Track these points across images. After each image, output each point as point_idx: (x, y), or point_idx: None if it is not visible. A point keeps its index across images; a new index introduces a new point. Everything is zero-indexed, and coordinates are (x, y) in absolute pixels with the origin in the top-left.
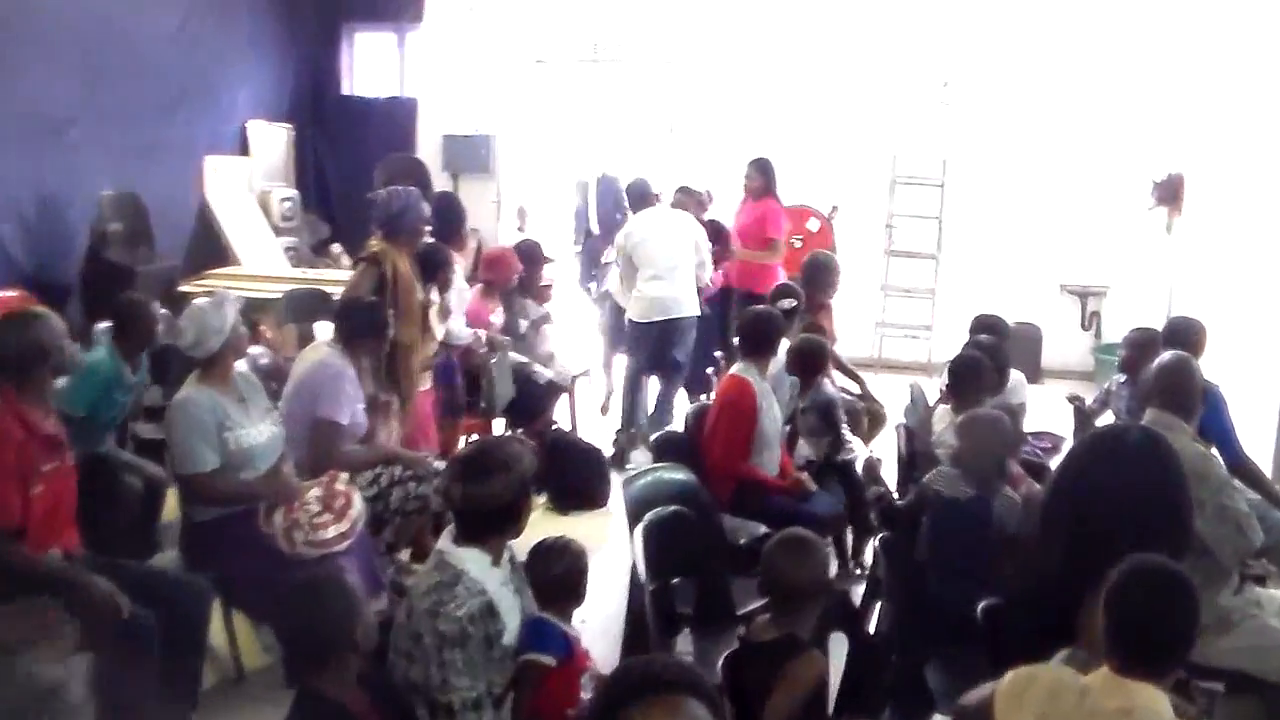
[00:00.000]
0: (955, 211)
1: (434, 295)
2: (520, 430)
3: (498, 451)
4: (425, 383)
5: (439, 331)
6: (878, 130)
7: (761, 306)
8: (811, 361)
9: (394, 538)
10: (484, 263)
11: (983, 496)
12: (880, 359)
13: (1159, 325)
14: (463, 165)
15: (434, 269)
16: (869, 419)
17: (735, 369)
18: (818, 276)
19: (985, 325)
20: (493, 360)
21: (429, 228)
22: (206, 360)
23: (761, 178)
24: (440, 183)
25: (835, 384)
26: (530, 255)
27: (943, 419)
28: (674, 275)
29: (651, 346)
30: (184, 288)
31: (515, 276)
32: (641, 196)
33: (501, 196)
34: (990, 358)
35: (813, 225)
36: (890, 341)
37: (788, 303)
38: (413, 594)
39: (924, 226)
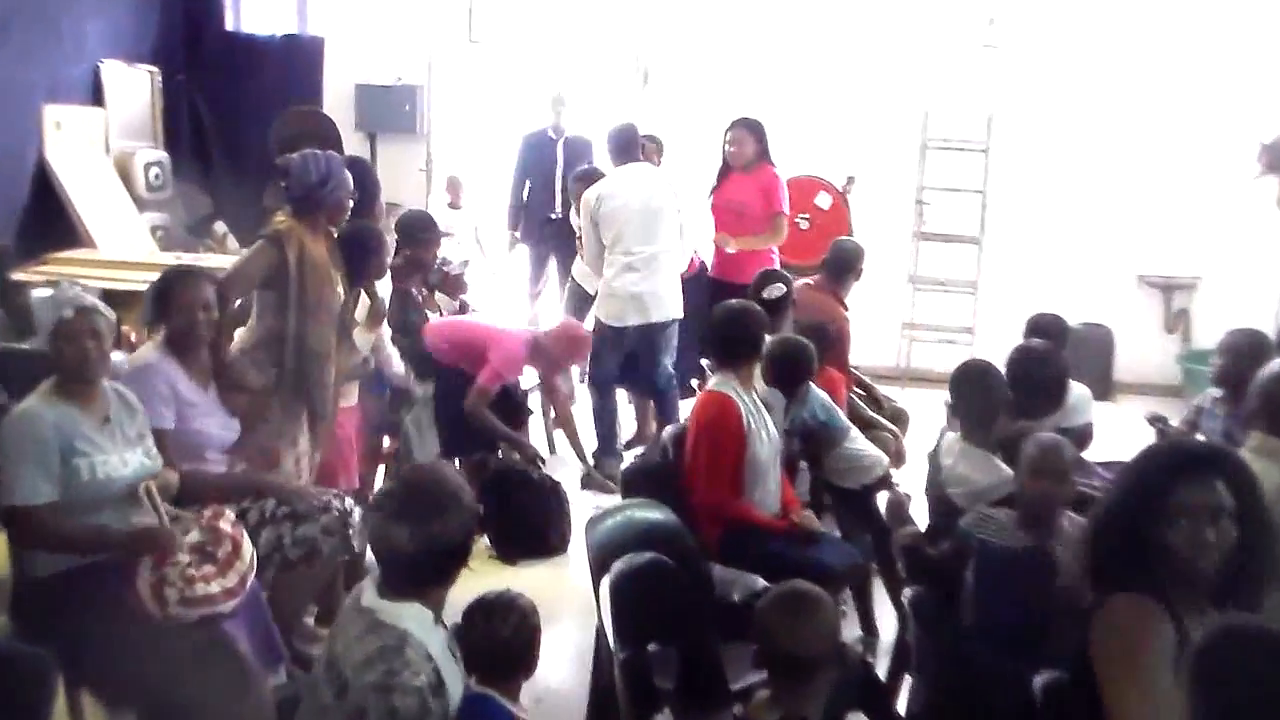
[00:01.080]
0: (1002, 183)
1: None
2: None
3: (443, 482)
4: (349, 397)
5: (363, 343)
6: (904, 80)
7: (736, 302)
8: (792, 367)
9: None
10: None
11: (1043, 547)
12: (907, 369)
13: (1266, 327)
14: (381, 123)
15: (362, 258)
16: (892, 422)
17: (712, 383)
18: (841, 269)
19: (1040, 327)
20: (406, 418)
21: (351, 204)
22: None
23: (755, 141)
24: (353, 145)
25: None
26: (412, 229)
27: (952, 450)
28: (655, 265)
29: (622, 356)
30: (18, 276)
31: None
32: (624, 147)
33: (432, 164)
34: (1043, 367)
35: (823, 201)
36: (921, 348)
37: (774, 290)
38: (346, 664)
39: (963, 202)
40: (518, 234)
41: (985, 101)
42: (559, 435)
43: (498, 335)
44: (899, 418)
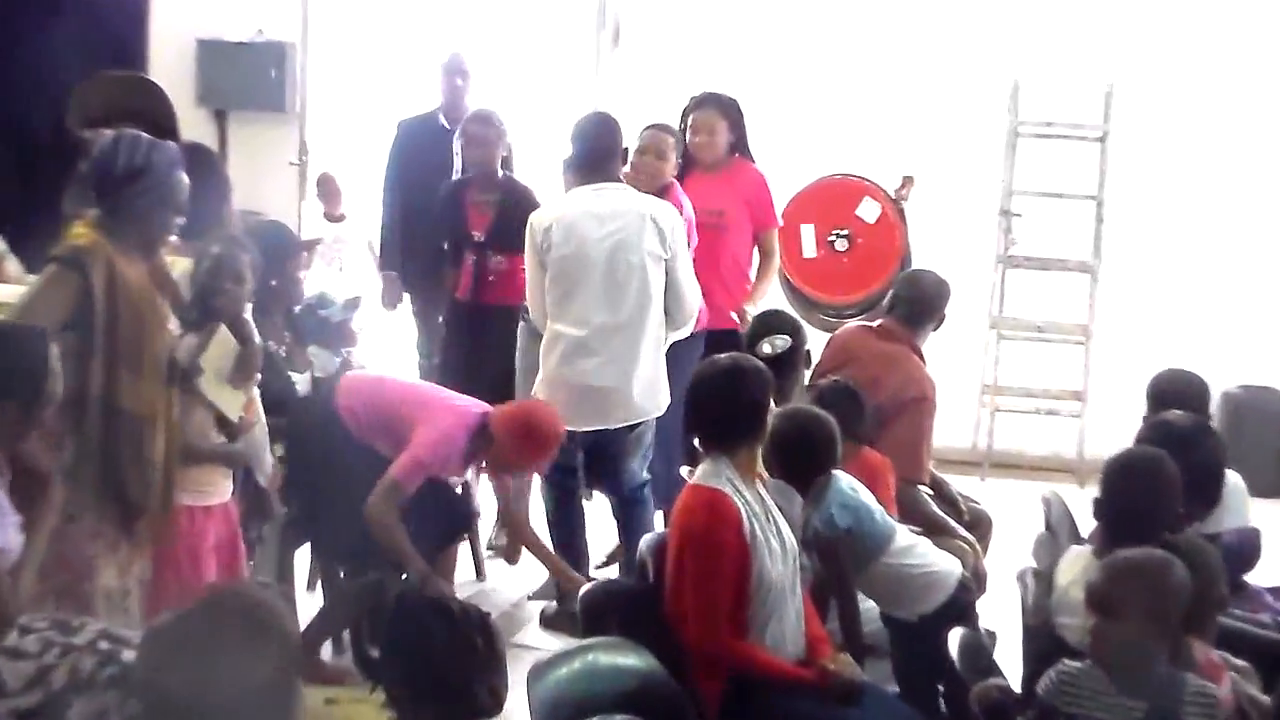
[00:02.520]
0: (1127, 185)
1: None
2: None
3: (253, 608)
4: (212, 491)
5: (230, 406)
6: (983, 38)
7: (726, 358)
8: (804, 452)
9: None
10: None
11: (1163, 710)
12: (988, 452)
13: None
14: (235, 96)
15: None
16: (970, 530)
17: (699, 474)
18: (921, 314)
19: (1176, 393)
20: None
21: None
22: None
23: (731, 128)
24: (193, 126)
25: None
26: (269, 250)
27: (1075, 567)
28: (623, 346)
29: (583, 452)
30: None
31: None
32: (596, 155)
33: (308, 155)
34: (1189, 451)
35: (867, 211)
36: (1008, 422)
37: (776, 343)
38: None
39: (1071, 213)
40: (394, 276)
41: (1101, 68)
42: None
43: (433, 407)
44: (978, 523)
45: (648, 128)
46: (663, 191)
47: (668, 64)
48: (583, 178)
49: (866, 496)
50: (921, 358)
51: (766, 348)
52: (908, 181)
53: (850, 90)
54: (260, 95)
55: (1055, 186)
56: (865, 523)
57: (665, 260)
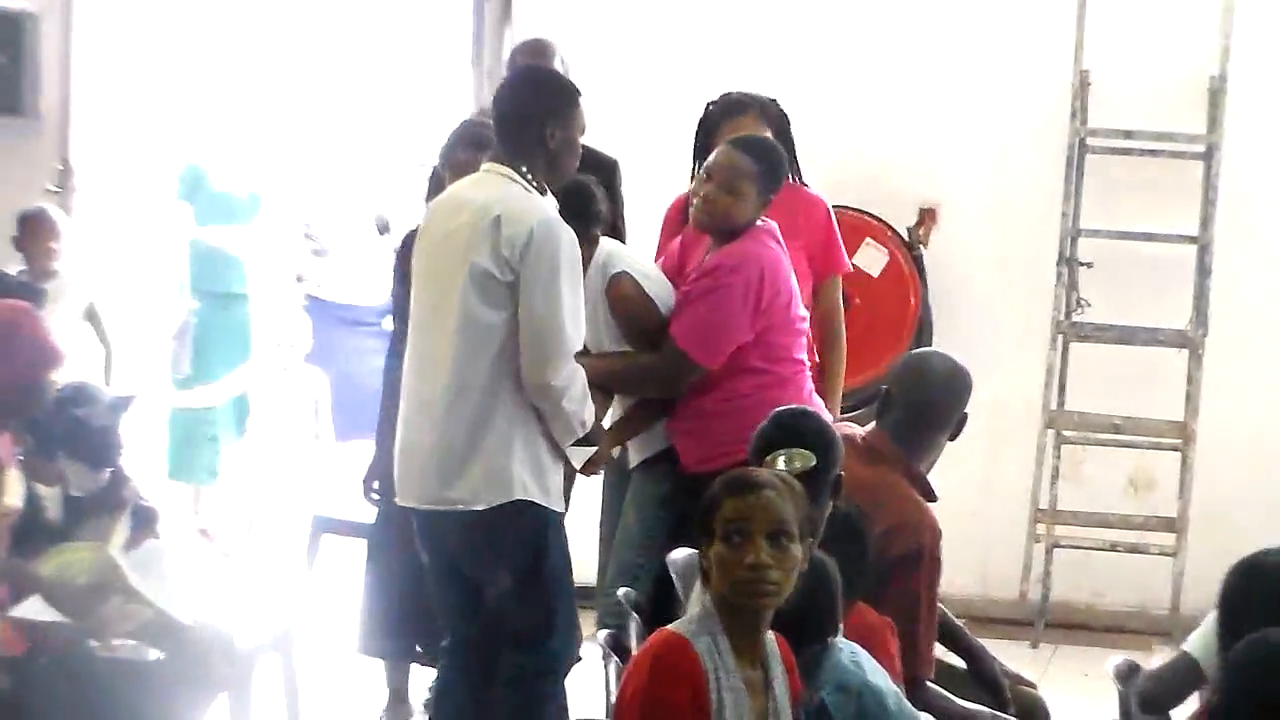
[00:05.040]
0: (1243, 221)
1: None
2: None
3: None
4: None
5: None
6: (1037, 16)
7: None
8: (799, 613)
9: None
10: None
11: None
12: (1045, 605)
13: None
14: None
15: None
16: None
17: (683, 618)
18: (926, 419)
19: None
20: None
21: None
22: None
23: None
24: None
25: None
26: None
27: None
28: (434, 396)
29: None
30: None
31: None
32: (499, 129)
33: (73, 177)
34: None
35: (870, 261)
36: (1071, 562)
37: (795, 462)
38: None
39: (1162, 262)
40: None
41: (1203, 50)
42: None
43: None
44: (1031, 713)
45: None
46: (738, 237)
47: (576, 39)
48: (456, 154)
49: (877, 675)
50: (923, 489)
51: (783, 463)
52: (928, 217)
53: (842, 84)
54: None
55: (1140, 223)
56: (874, 713)
57: (507, 284)
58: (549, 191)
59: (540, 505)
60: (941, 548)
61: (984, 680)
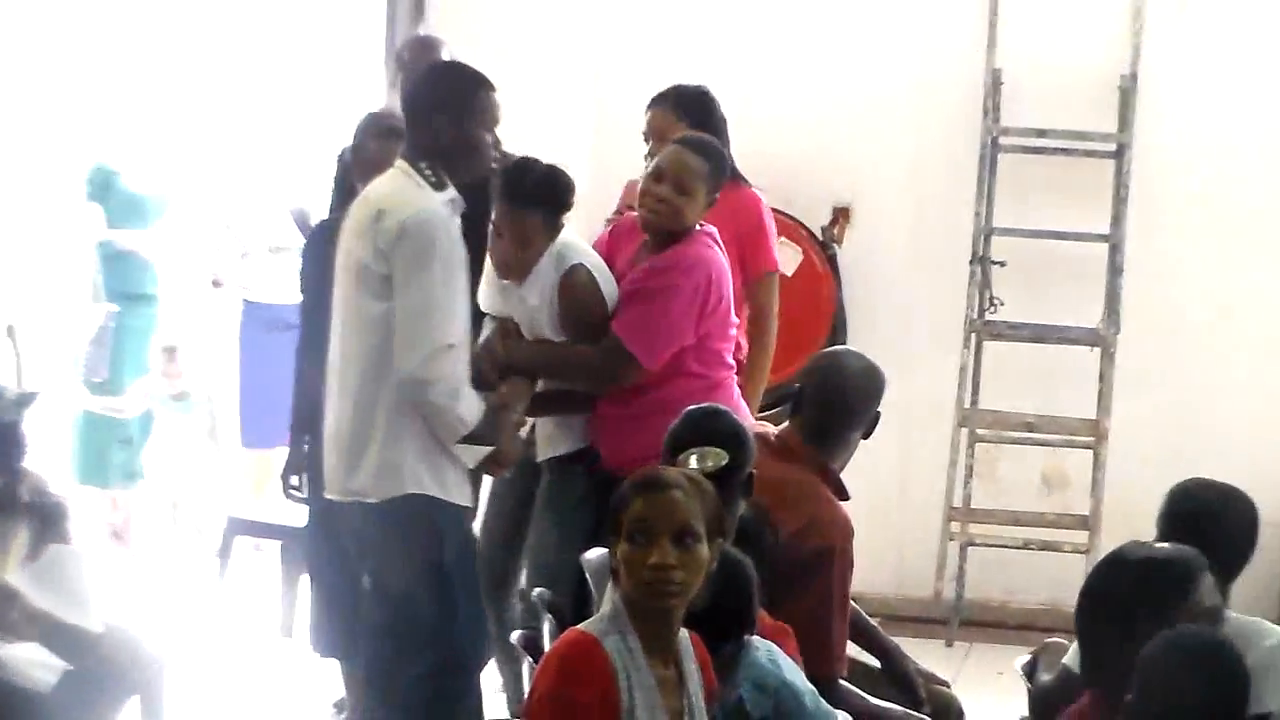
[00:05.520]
0: (1153, 219)
1: None
2: None
3: None
4: None
5: None
6: (948, 6)
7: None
8: (716, 613)
9: None
10: None
11: None
12: (959, 604)
13: None
14: None
15: None
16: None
17: (592, 618)
18: (839, 419)
19: (1191, 509)
20: None
21: None
22: None
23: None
24: None
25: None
26: None
27: None
28: (341, 400)
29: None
30: None
31: None
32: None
33: None
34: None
35: (785, 259)
36: (985, 560)
37: (707, 460)
38: None
39: (1073, 261)
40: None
41: (1114, 50)
42: None
43: None
44: (944, 713)
45: (654, 111)
46: (681, 239)
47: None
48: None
49: (793, 673)
50: (836, 487)
51: (694, 462)
52: (841, 216)
53: (755, 83)
54: None
55: (1052, 222)
56: (792, 711)
57: (383, 276)
58: (450, 184)
59: (438, 499)
60: (854, 546)
61: (898, 679)
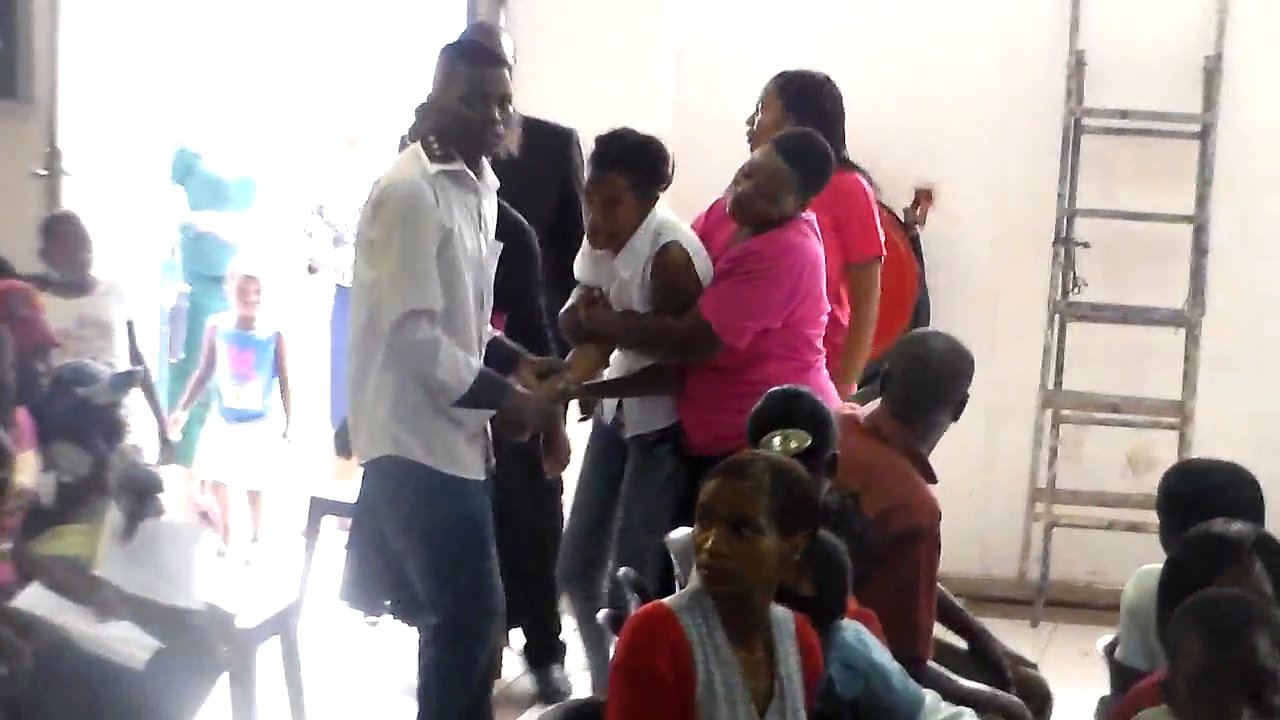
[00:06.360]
0: (1238, 201)
1: None
2: None
3: None
4: None
5: None
6: None
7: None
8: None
9: None
10: None
11: None
12: (1044, 585)
13: None
14: None
15: None
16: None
17: (667, 599)
18: (926, 399)
19: (1205, 489)
20: None
21: None
22: None
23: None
24: None
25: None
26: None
27: None
28: (347, 366)
29: None
30: None
31: None
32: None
33: (62, 160)
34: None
35: None
36: (1071, 541)
37: (791, 441)
38: None
39: (1159, 242)
40: None
41: (1198, 30)
42: None
43: None
44: (1032, 696)
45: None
46: (777, 224)
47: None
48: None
49: (881, 654)
50: (924, 470)
51: (778, 443)
52: (924, 198)
53: (837, 65)
54: None
55: (1136, 203)
56: (880, 691)
57: (371, 241)
58: (457, 158)
59: (421, 464)
60: (940, 528)
61: (986, 661)
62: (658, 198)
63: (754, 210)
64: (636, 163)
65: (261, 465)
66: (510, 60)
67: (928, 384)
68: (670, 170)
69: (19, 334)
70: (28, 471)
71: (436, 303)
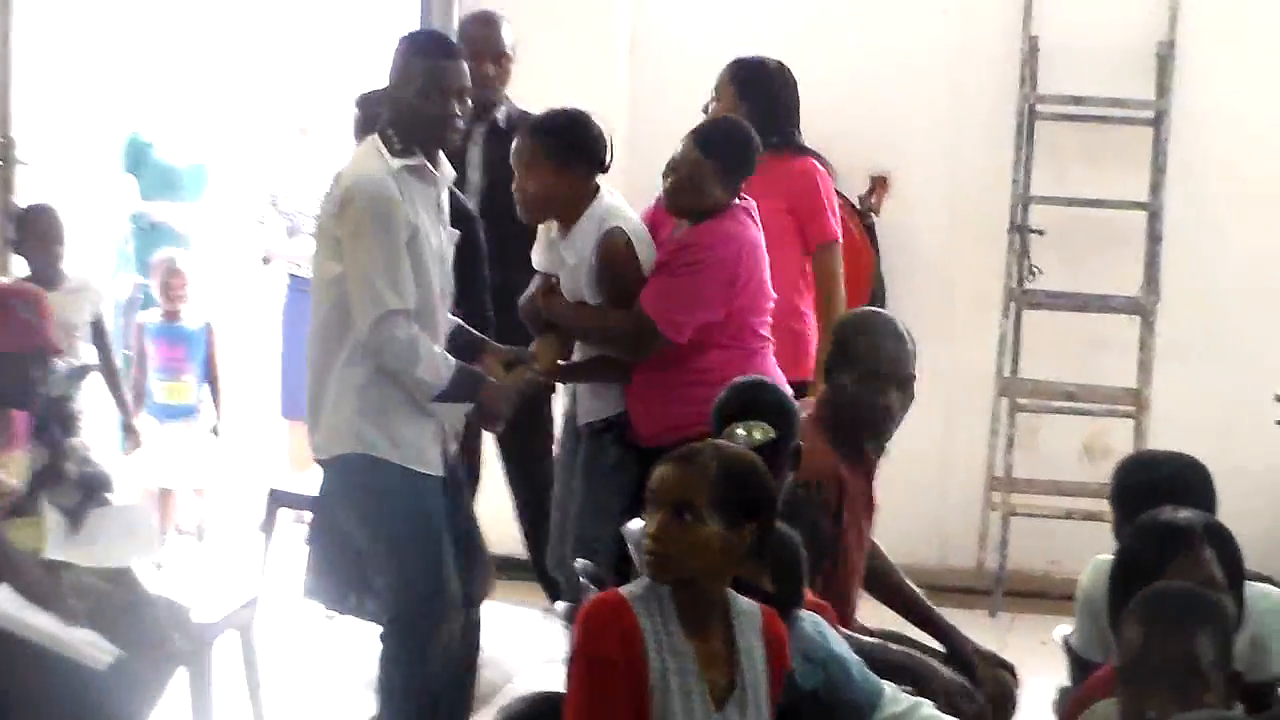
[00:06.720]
0: (1192, 188)
1: None
2: None
3: None
4: None
5: None
6: None
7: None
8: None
9: None
10: None
11: None
12: (1001, 574)
13: None
14: None
15: None
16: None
17: (621, 589)
18: (867, 380)
19: (1158, 480)
20: None
21: None
22: None
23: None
24: None
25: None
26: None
27: None
28: (307, 361)
29: None
30: None
31: None
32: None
33: (14, 149)
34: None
35: None
36: (1027, 530)
37: (755, 433)
38: None
39: (1112, 229)
40: None
41: (1152, 16)
42: None
43: None
44: (1002, 694)
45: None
46: (714, 214)
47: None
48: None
49: (839, 645)
50: (865, 465)
51: (741, 433)
52: (879, 185)
53: (791, 53)
54: None
55: (1091, 190)
56: (840, 682)
57: (335, 237)
58: (417, 152)
59: (381, 460)
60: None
61: (956, 656)
62: (594, 178)
63: (682, 203)
64: (551, 128)
65: (199, 462)
66: (510, 51)
67: (834, 344)
68: (599, 147)
69: (19, 336)
70: (17, 470)
71: (411, 301)
